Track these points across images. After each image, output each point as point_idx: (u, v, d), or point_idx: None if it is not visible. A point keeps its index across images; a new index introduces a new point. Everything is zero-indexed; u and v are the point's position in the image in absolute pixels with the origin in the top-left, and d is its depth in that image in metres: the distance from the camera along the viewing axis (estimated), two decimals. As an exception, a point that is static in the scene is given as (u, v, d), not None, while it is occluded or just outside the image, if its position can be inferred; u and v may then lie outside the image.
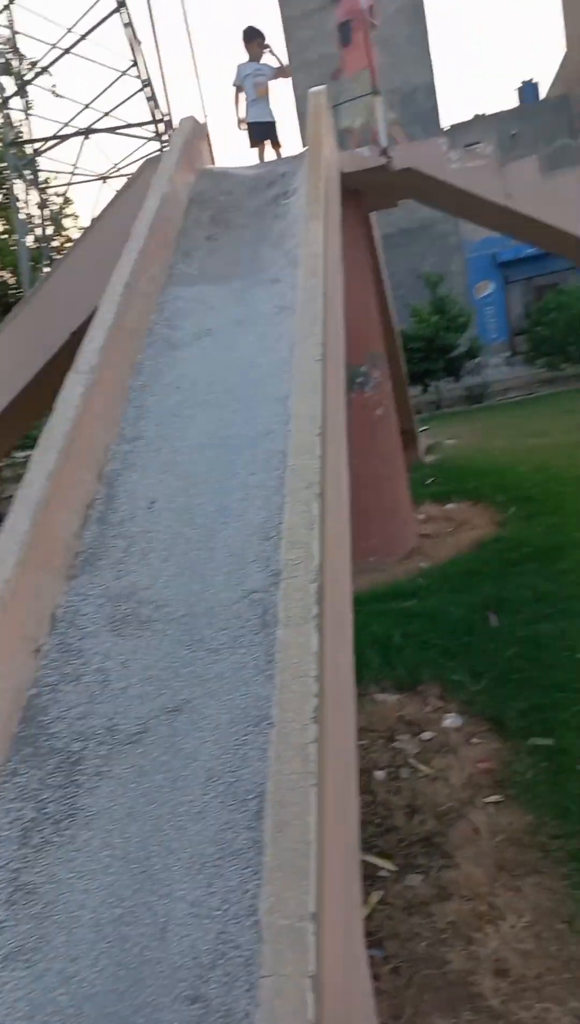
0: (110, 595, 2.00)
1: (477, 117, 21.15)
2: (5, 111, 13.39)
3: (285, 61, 5.96)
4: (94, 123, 12.98)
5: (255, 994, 1.25)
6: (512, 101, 23.99)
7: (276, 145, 6.00)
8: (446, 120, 20.67)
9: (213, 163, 4.65)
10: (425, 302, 17.03)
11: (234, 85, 5.90)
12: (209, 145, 4.61)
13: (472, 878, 2.21)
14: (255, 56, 5.87)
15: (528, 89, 23.54)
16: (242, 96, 5.88)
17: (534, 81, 23.73)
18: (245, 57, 5.91)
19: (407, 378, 9.37)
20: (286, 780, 1.37)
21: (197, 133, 4.29)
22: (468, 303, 18.94)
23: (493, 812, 2.53)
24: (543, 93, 23.62)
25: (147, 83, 13.07)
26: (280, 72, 5.90)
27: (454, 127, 20.29)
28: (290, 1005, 1.11)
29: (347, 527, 2.28)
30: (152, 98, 13.14)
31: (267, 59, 5.91)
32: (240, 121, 5.92)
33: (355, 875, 1.58)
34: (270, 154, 5.97)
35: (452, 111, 61.14)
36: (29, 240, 13.95)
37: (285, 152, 5.85)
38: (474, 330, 17.97)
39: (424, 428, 11.58)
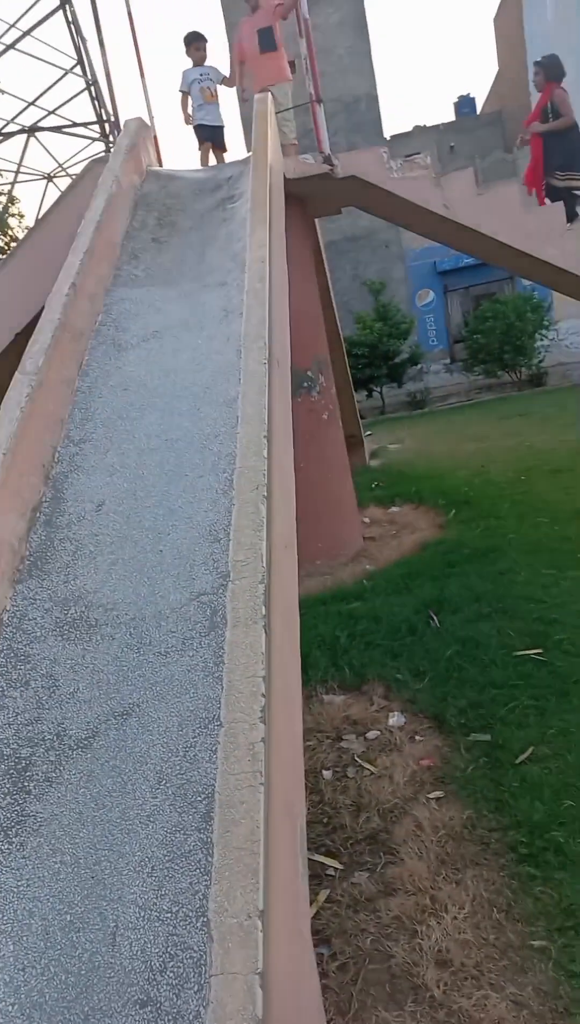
0: (58, 599, 1.98)
1: (417, 128, 21.63)
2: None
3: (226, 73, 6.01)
4: (39, 121, 12.72)
5: (205, 994, 1.26)
6: (450, 114, 24.59)
7: (220, 149, 6.03)
8: (388, 130, 21.05)
9: (160, 165, 4.63)
10: (369, 309, 17.31)
11: (181, 91, 5.90)
12: (156, 146, 4.59)
13: (415, 873, 2.27)
14: (199, 60, 5.89)
15: (465, 103, 24.20)
16: (190, 100, 5.89)
17: (470, 96, 24.44)
18: (190, 63, 5.92)
19: (352, 383, 9.49)
20: (234, 779, 1.39)
21: (143, 134, 4.27)
22: (410, 310, 19.33)
23: (435, 808, 2.60)
24: (479, 107, 24.32)
25: (92, 82, 12.88)
26: (224, 81, 5.94)
27: (395, 137, 20.68)
28: (239, 1002, 1.12)
29: (293, 529, 2.31)
30: (97, 98, 12.95)
31: (212, 62, 5.93)
32: (187, 117, 5.91)
33: (303, 874, 1.60)
34: (213, 159, 6.01)
35: (393, 121, 62.31)
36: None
37: (229, 157, 5.89)
38: (416, 337, 18.35)
39: (369, 433, 11.75)
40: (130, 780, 1.62)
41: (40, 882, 1.47)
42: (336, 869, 2.38)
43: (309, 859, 2.26)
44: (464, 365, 18.37)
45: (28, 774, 1.63)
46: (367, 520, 6.78)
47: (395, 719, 3.21)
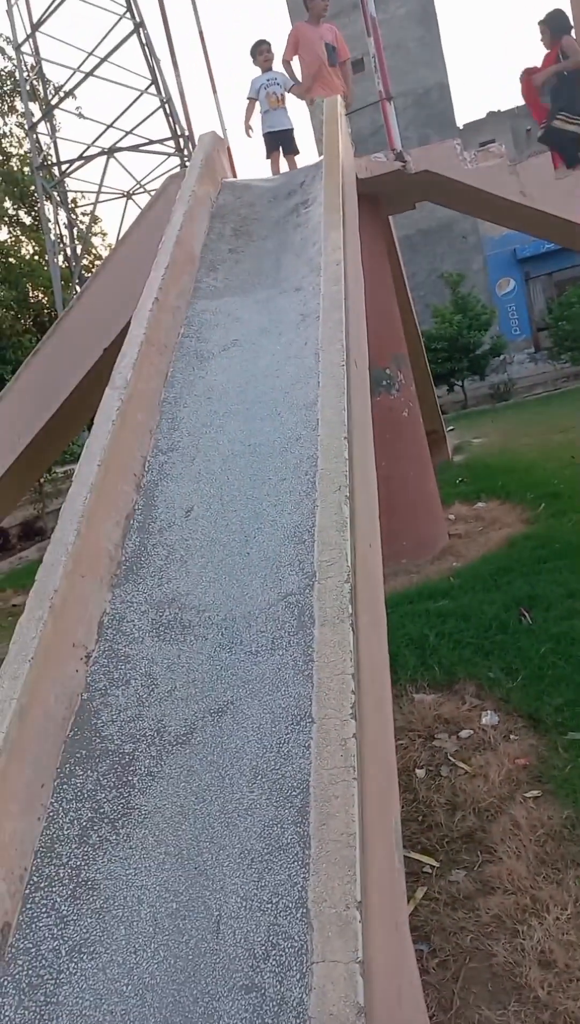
0: (153, 602, 2.07)
1: (490, 114, 21.10)
2: (33, 135, 13.71)
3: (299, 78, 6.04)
4: (117, 142, 13.24)
5: (307, 981, 1.30)
6: (516, 100, 23.80)
7: (291, 153, 6.08)
8: (461, 118, 20.63)
9: (234, 175, 4.74)
10: (446, 302, 17.00)
11: (249, 98, 5.99)
12: (229, 158, 4.70)
13: (514, 872, 2.24)
14: (265, 66, 5.97)
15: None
16: (257, 107, 5.98)
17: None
18: (257, 72, 6.01)
19: (431, 378, 9.36)
20: (328, 774, 1.42)
21: (217, 147, 4.38)
22: (490, 301, 18.85)
23: (532, 807, 2.55)
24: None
25: (166, 100, 13.29)
26: (293, 89, 5.97)
27: (468, 125, 20.26)
28: (341, 990, 1.15)
29: (377, 528, 2.32)
30: (172, 114, 13.35)
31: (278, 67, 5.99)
32: (248, 127, 5.99)
33: (399, 869, 1.62)
34: (286, 164, 6.06)
35: (466, 109, 60.89)
36: (60, 259, 14.25)
37: (300, 161, 5.93)
38: (497, 327, 17.87)
39: (451, 428, 11.55)
40: (227, 775, 1.68)
41: (147, 872, 1.55)
42: (432, 867, 2.37)
43: (405, 856, 2.26)
44: (549, 353, 17.76)
45: (132, 768, 1.72)
46: (452, 517, 6.67)
47: (488, 718, 3.16)
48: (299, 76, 5.84)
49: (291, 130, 6.09)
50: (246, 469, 2.51)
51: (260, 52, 5.84)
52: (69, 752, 1.73)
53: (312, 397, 2.66)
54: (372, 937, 1.22)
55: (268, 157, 6.02)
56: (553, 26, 5.64)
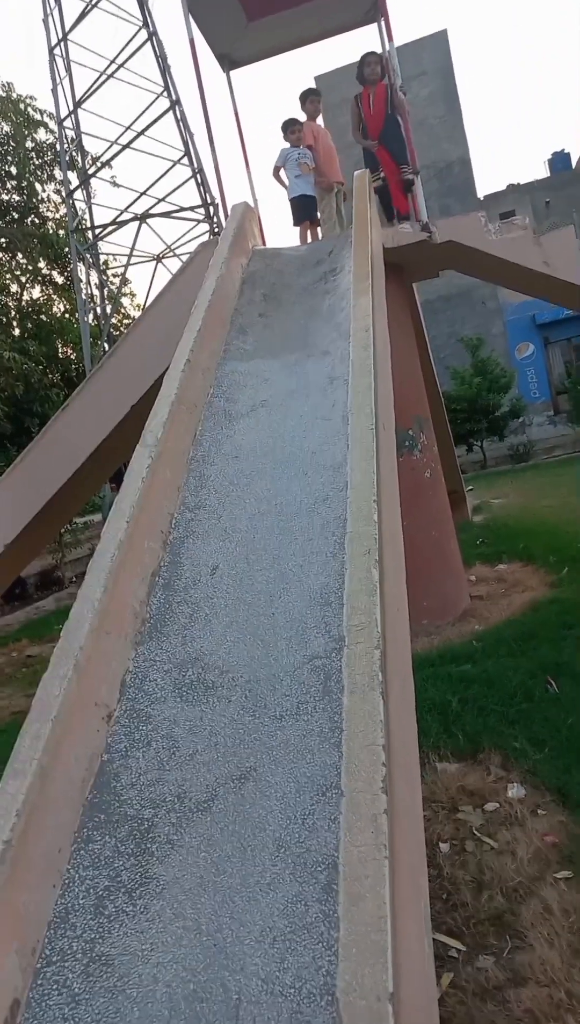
0: (176, 661, 2.05)
1: (510, 187, 21.80)
2: (70, 201, 14.39)
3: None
4: (150, 208, 13.83)
5: (334, 1079, 1.22)
6: (541, 171, 24.65)
7: (315, 224, 6.32)
8: (481, 190, 21.35)
9: (264, 243, 4.91)
10: (466, 364, 17.26)
11: (276, 165, 6.27)
12: (260, 226, 4.87)
13: (547, 961, 2.11)
14: (295, 142, 6.27)
15: (559, 159, 24.22)
16: (283, 173, 6.25)
17: (565, 151, 24.44)
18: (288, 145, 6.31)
19: (452, 439, 9.42)
20: (358, 852, 1.37)
21: (248, 216, 4.55)
22: (509, 365, 19.12)
23: (564, 889, 2.42)
24: (573, 162, 24.26)
25: (198, 170, 13.93)
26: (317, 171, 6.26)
27: (488, 197, 20.93)
28: None
29: (404, 591, 2.30)
30: (202, 184, 13.97)
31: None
32: (277, 169, 6.24)
33: (429, 954, 1.53)
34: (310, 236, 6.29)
35: (486, 181, 63.16)
36: (89, 318, 14.74)
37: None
38: (516, 390, 18.07)
39: (470, 488, 11.55)
40: (249, 846, 1.63)
41: (163, 947, 1.48)
42: (459, 951, 2.25)
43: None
44: (569, 416, 17.87)
45: (151, 836, 1.66)
46: (474, 578, 6.60)
47: (515, 791, 3.05)
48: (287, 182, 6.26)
49: (316, 198, 6.34)
50: (272, 528, 2.51)
51: (292, 131, 6.14)
52: (88, 816, 1.68)
53: (339, 458, 2.68)
54: (404, 1033, 1.15)
55: (296, 224, 6.24)
56: None
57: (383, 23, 6.46)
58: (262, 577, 2.33)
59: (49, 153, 16.38)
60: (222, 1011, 1.38)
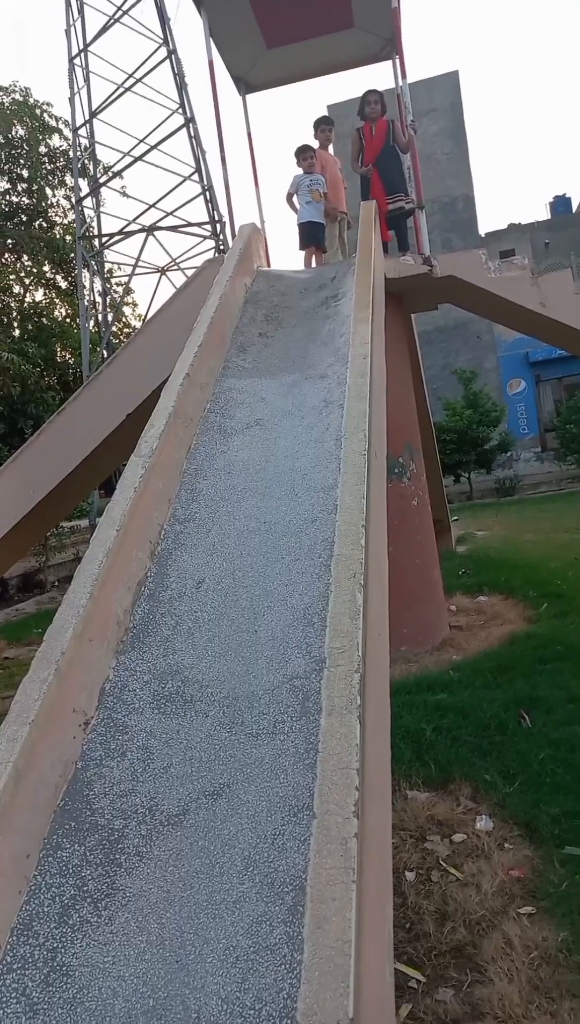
0: (156, 672, 2.05)
1: (511, 225, 22.23)
2: (79, 208, 14.50)
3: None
4: (157, 221, 13.97)
5: None
6: (543, 213, 25.18)
7: (321, 250, 6.42)
8: (482, 227, 21.75)
9: (268, 265, 4.97)
10: (459, 396, 17.47)
11: (289, 192, 6.37)
12: (265, 248, 4.94)
13: (506, 997, 2.11)
14: (308, 169, 6.38)
15: (561, 202, 24.75)
16: (295, 199, 6.35)
17: (567, 196, 24.99)
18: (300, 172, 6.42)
19: (441, 469, 9.51)
20: (326, 874, 1.37)
21: (255, 237, 4.61)
22: (500, 399, 19.36)
23: (527, 924, 2.42)
24: (574, 206, 24.81)
25: (207, 188, 14.10)
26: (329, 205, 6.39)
27: (489, 234, 21.31)
28: None
29: (386, 616, 2.32)
30: (210, 201, 14.13)
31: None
32: (290, 195, 6.34)
33: (390, 982, 1.54)
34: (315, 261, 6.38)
35: (488, 219, 64.45)
36: (90, 324, 14.79)
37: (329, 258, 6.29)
38: (506, 425, 18.30)
39: (455, 518, 11.64)
40: (218, 863, 1.62)
41: (125, 961, 1.47)
42: (419, 981, 2.24)
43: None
44: (556, 454, 18.09)
45: (120, 846, 1.66)
46: (454, 608, 6.64)
47: (483, 823, 3.06)
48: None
49: (324, 226, 6.45)
50: (260, 546, 2.52)
51: (305, 157, 6.25)
52: (58, 822, 1.67)
53: (330, 481, 2.71)
54: (361, 1060, 1.15)
55: (302, 248, 6.33)
56: None
57: (398, 60, 6.63)
58: (247, 594, 2.34)
59: (62, 159, 16.54)
60: (180, 1029, 1.37)
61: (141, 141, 13.75)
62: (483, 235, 21.17)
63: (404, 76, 6.38)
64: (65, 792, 1.71)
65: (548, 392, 20.99)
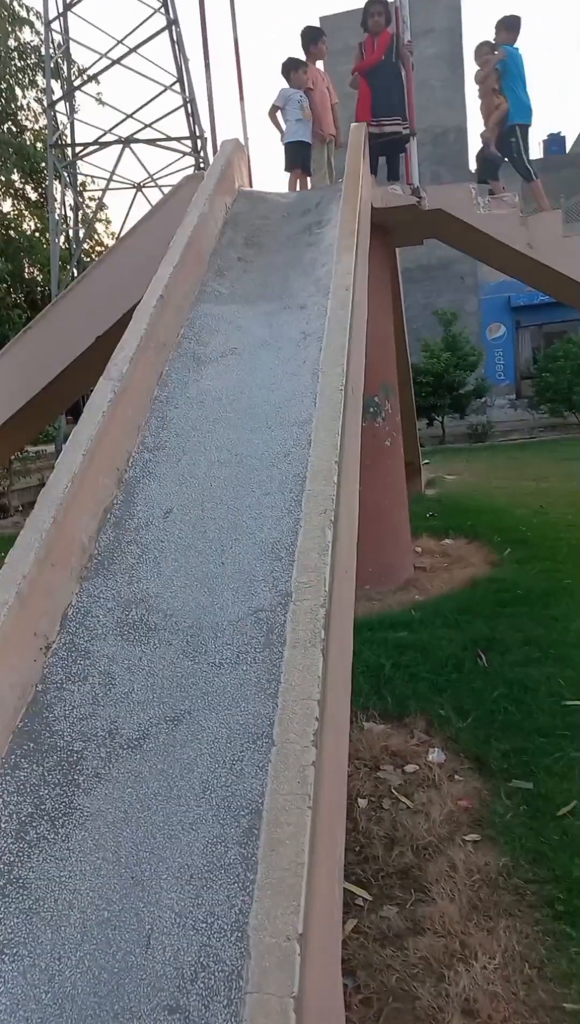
0: (120, 600, 2.03)
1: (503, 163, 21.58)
2: (51, 113, 13.63)
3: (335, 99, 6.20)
4: (135, 133, 13.22)
5: (236, 1009, 1.27)
6: (536, 152, 24.46)
7: (307, 173, 6.14)
8: (474, 162, 21.08)
9: (251, 186, 4.75)
10: (437, 338, 17.26)
11: (275, 104, 6.01)
12: (248, 167, 4.71)
13: (446, 914, 2.23)
14: (298, 84, 6.02)
15: (554, 141, 24.04)
16: (280, 115, 6.01)
17: (561, 134, 24.26)
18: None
19: (415, 411, 9.47)
20: (282, 799, 1.40)
21: (238, 155, 4.39)
22: (479, 343, 19.20)
23: (471, 851, 2.55)
24: (568, 147, 24.12)
25: (189, 100, 13.33)
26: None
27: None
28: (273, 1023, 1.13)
29: (354, 555, 2.32)
30: (192, 115, 13.40)
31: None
32: (275, 109, 6.00)
33: (338, 901, 1.60)
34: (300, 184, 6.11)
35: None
36: (61, 240, 14.12)
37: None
38: (482, 370, 18.21)
39: (426, 461, 11.68)
40: (176, 786, 1.65)
41: (81, 875, 1.50)
42: (365, 900, 2.36)
43: (339, 887, 2.24)
44: (530, 402, 18.14)
45: (79, 768, 1.67)
46: (419, 550, 6.72)
47: (435, 755, 3.17)
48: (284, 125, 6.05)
49: (311, 146, 6.14)
50: (231, 478, 2.49)
51: (296, 71, 5.89)
52: (16, 743, 1.68)
53: (305, 416, 2.66)
54: (308, 972, 1.20)
55: (287, 170, 6.04)
56: None
57: (399, -31, 6.22)
58: (215, 525, 2.32)
59: (33, 56, 15.43)
60: (133, 939, 1.41)
61: (120, 42, 12.88)
62: (474, 171, 20.54)
63: (404, -12, 6.00)
64: (24, 714, 1.71)
65: (527, 339, 20.86)
